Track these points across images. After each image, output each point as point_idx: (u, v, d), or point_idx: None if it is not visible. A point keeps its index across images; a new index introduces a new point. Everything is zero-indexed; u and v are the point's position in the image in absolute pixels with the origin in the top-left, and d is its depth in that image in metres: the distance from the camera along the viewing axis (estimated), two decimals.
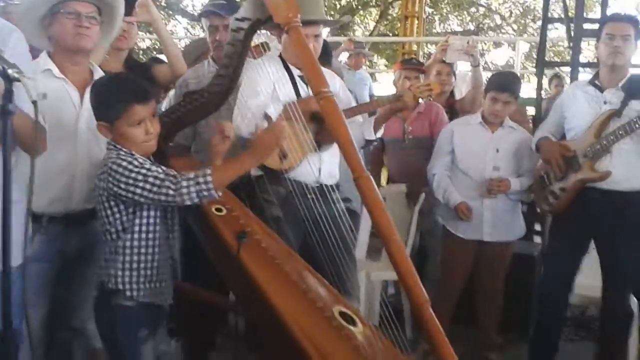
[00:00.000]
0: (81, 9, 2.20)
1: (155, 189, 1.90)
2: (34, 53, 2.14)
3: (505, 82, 3.48)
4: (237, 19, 2.25)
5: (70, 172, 2.23)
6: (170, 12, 16.80)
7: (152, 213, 2.01)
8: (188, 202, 1.93)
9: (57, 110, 2.17)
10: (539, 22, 14.57)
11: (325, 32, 2.99)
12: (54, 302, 2.31)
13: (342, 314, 1.88)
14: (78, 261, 2.32)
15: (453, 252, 3.51)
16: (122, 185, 1.91)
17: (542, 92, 5.26)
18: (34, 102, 1.49)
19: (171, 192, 1.90)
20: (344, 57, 7.13)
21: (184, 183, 1.90)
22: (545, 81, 6.04)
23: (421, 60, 9.81)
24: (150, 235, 2.02)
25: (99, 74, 2.33)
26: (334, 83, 2.97)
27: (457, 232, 3.48)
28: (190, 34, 16.82)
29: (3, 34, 1.82)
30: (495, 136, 3.45)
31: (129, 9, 2.76)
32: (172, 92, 3.52)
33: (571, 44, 4.79)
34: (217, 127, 2.20)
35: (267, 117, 2.62)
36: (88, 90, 2.19)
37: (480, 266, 3.47)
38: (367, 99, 5.84)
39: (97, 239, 2.18)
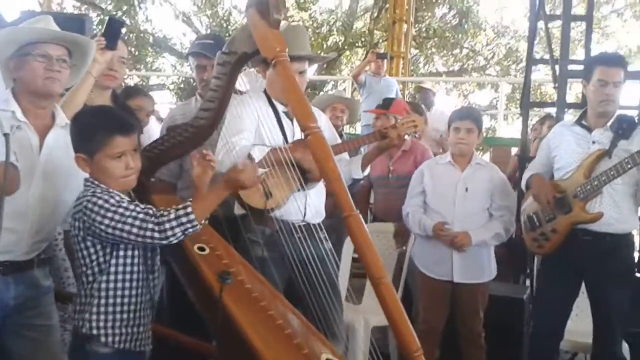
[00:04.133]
0: (52, 52, 2.11)
1: (135, 230, 1.81)
2: None
3: (464, 111, 3.62)
4: (223, 53, 2.21)
5: (20, 224, 2.08)
6: (158, 50, 16.87)
7: (129, 253, 1.93)
8: (174, 241, 1.85)
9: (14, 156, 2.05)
10: (522, 64, 14.90)
11: (311, 70, 2.97)
12: None
13: None
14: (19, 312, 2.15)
15: (428, 294, 3.46)
16: (98, 225, 1.83)
17: (530, 133, 5.27)
18: (6, 135, 1.39)
19: (156, 234, 1.82)
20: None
21: (167, 225, 1.82)
22: (533, 121, 6.06)
23: (406, 99, 9.92)
24: (128, 277, 1.93)
25: (61, 117, 2.22)
26: (320, 120, 2.94)
27: (429, 272, 3.43)
28: (178, 70, 16.90)
29: None
30: (464, 175, 3.42)
31: (113, 44, 2.68)
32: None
33: (556, 85, 4.82)
34: (198, 157, 2.14)
35: (250, 158, 2.57)
36: (48, 136, 2.12)
37: (456, 308, 3.42)
38: None
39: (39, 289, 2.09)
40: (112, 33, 2.68)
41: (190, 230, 1.84)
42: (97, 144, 1.89)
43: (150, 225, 1.81)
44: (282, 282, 2.60)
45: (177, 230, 1.82)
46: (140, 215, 1.82)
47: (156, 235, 1.81)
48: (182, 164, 3.12)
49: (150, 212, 1.85)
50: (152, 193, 2.42)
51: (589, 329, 3.12)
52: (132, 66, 15.45)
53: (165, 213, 1.84)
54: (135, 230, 1.81)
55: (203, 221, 1.92)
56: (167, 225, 1.81)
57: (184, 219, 1.82)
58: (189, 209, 1.83)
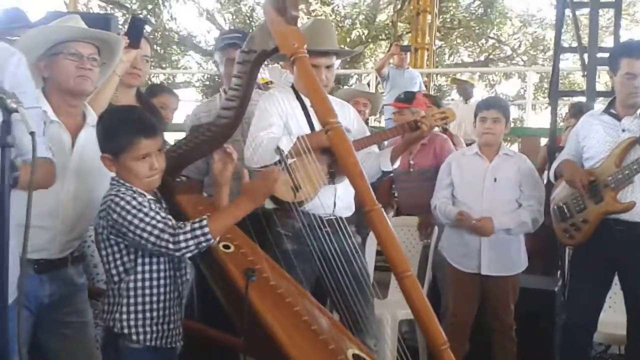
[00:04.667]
0: (83, 50, 2.13)
1: (152, 239, 1.83)
2: None
3: (490, 100, 3.57)
4: (243, 51, 2.21)
5: (54, 222, 2.10)
6: (183, 47, 17.01)
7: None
8: (187, 255, 1.87)
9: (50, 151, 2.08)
10: (549, 53, 14.67)
11: (335, 64, 2.95)
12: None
13: (355, 356, 1.79)
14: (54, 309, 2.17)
15: (457, 287, 3.43)
16: (120, 224, 1.85)
17: (562, 122, 5.19)
18: (32, 134, 1.41)
19: (171, 246, 1.82)
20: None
21: (182, 237, 1.82)
22: (562, 111, 5.98)
23: (431, 92, 9.83)
24: (155, 275, 1.94)
25: (92, 117, 2.23)
26: (348, 113, 2.93)
27: (458, 265, 3.40)
28: (203, 68, 17.03)
29: (1, 58, 1.72)
30: (492, 166, 3.38)
31: (136, 42, 2.69)
32: None
33: (585, 73, 4.74)
34: (220, 153, 2.13)
35: (278, 150, 2.56)
36: (80, 135, 2.14)
37: (486, 301, 3.38)
38: None
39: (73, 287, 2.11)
40: (136, 32, 2.70)
41: (204, 245, 1.85)
42: (122, 146, 1.91)
43: (165, 236, 1.82)
44: (312, 276, 2.60)
45: (190, 243, 1.83)
46: (160, 225, 1.83)
47: (170, 246, 1.82)
48: (209, 161, 3.13)
49: (170, 223, 1.86)
50: (178, 193, 2.44)
51: (623, 320, 3.06)
52: (158, 64, 15.64)
53: (182, 225, 1.85)
54: (152, 239, 1.83)
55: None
56: (182, 237, 1.82)
57: (198, 232, 1.83)
58: (204, 223, 1.84)
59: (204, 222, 1.84)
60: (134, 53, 2.71)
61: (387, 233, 1.69)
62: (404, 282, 1.64)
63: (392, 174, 3.88)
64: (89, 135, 2.16)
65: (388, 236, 1.68)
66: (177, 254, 1.84)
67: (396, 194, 4.33)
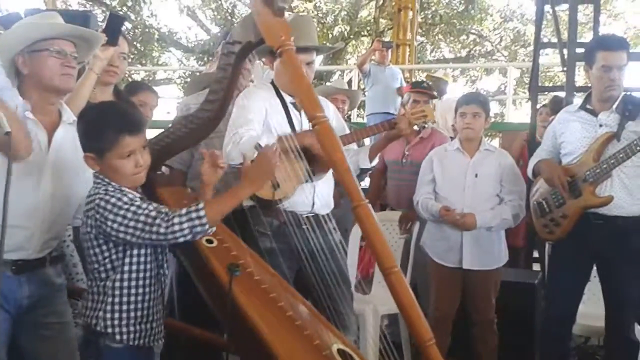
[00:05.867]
0: (67, 48, 2.11)
1: (147, 227, 1.79)
2: None
3: (469, 96, 3.59)
4: (227, 43, 2.19)
5: (31, 221, 2.07)
6: (164, 44, 16.87)
7: (142, 251, 1.92)
8: (181, 240, 1.82)
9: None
10: (530, 48, 14.78)
11: (317, 60, 2.94)
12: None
13: (340, 351, 1.79)
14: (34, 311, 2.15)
15: (439, 281, 3.45)
16: (111, 224, 1.82)
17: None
18: (7, 133, 1.39)
19: (162, 230, 1.79)
20: None
21: (176, 220, 1.79)
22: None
23: None
24: (141, 275, 1.92)
25: (68, 114, 2.21)
26: (328, 110, 2.92)
27: (440, 260, 3.43)
28: (184, 65, 16.91)
29: None
30: (473, 161, 3.41)
31: (114, 40, 2.65)
32: None
33: (565, 68, 4.78)
34: (207, 156, 2.13)
35: (258, 147, 2.56)
36: (57, 133, 2.12)
37: (468, 295, 3.41)
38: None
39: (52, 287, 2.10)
40: (113, 29, 2.66)
41: (199, 229, 1.81)
42: (106, 144, 1.87)
43: (158, 221, 1.79)
44: (291, 273, 2.59)
45: (185, 226, 1.79)
46: (153, 213, 1.81)
47: (162, 231, 1.79)
48: (194, 153, 3.12)
49: (163, 210, 1.84)
50: (158, 186, 2.42)
51: (601, 312, 3.09)
52: (138, 61, 15.50)
53: (176, 210, 1.82)
54: (147, 227, 1.79)
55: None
56: (176, 220, 1.79)
57: (193, 215, 1.80)
58: (201, 207, 1.81)
59: (200, 206, 1.81)
60: (111, 51, 2.67)
61: (374, 228, 1.67)
62: (390, 278, 1.63)
63: (378, 164, 3.87)
64: (65, 133, 2.14)
65: (374, 231, 1.67)
66: (170, 237, 1.80)
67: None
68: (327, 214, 2.75)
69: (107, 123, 1.90)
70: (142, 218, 1.80)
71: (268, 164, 1.95)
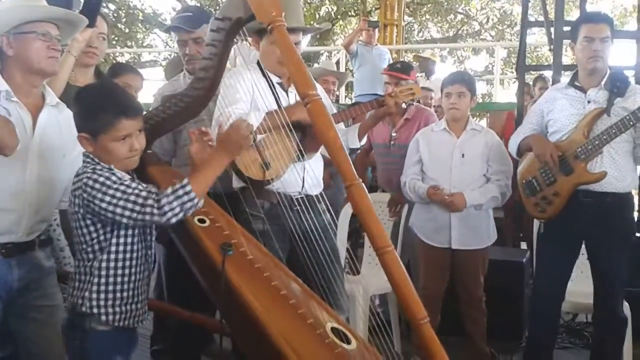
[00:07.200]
0: (52, 30, 2.10)
1: (137, 208, 1.77)
2: None
3: (454, 75, 3.53)
4: (217, 19, 2.15)
5: (18, 204, 2.06)
6: (148, 26, 16.66)
7: (130, 231, 1.90)
8: (173, 220, 1.80)
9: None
10: (517, 28, 14.78)
11: (304, 41, 2.91)
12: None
13: (334, 330, 1.79)
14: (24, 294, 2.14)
15: (428, 261, 3.47)
16: (99, 202, 1.79)
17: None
18: None
19: (155, 211, 1.77)
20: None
21: (164, 200, 1.77)
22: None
23: None
24: (128, 255, 1.91)
25: (51, 97, 2.19)
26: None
27: (429, 240, 3.44)
28: (169, 46, 16.70)
29: None
30: (459, 141, 3.41)
31: (92, 21, 2.57)
32: None
33: (552, 47, 4.78)
34: (196, 134, 2.10)
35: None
36: (41, 115, 2.10)
37: (456, 274, 3.43)
38: None
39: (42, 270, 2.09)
40: (91, 10, 2.60)
41: (189, 205, 1.79)
42: (102, 126, 1.85)
43: (149, 202, 1.77)
44: (283, 254, 2.58)
45: (175, 205, 1.77)
46: (143, 193, 1.79)
47: (155, 211, 1.77)
48: (177, 141, 3.09)
49: (153, 190, 1.82)
50: (148, 165, 2.40)
51: (590, 289, 3.12)
52: (123, 43, 15.29)
53: (163, 190, 1.80)
54: (137, 208, 1.77)
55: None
56: (165, 201, 1.76)
57: (180, 192, 1.78)
58: (186, 182, 1.79)
59: (185, 182, 1.79)
60: (89, 32, 2.64)
61: (367, 208, 1.66)
62: (384, 257, 1.63)
63: (366, 145, 3.87)
64: (49, 116, 2.14)
65: (368, 211, 1.66)
66: (163, 218, 1.78)
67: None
68: (318, 195, 2.74)
69: (105, 104, 1.87)
70: (132, 198, 1.78)
71: (242, 128, 1.90)
